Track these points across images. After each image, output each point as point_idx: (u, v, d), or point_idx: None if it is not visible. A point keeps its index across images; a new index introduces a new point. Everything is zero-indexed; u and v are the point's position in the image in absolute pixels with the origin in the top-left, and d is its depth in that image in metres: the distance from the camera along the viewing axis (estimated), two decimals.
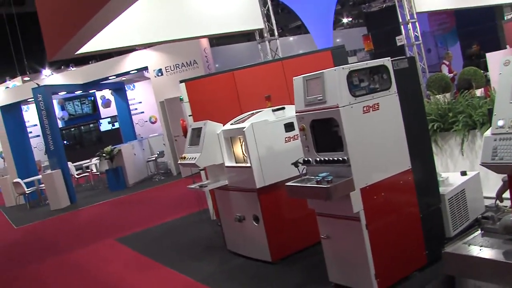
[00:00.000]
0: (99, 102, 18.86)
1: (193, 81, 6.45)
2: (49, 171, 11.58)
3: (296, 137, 4.63)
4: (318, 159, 3.66)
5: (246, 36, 18.47)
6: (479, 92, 7.55)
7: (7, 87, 16.54)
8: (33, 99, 11.94)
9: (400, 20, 11.17)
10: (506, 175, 2.83)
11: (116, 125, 18.27)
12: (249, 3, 9.16)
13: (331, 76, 3.50)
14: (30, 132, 16.17)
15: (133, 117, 16.81)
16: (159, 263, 5.69)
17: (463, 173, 4.62)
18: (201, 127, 5.03)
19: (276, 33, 9.60)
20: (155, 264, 5.72)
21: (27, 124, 15.40)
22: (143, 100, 17.45)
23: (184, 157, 5.11)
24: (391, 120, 3.71)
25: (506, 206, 3.19)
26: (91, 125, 19.97)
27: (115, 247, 6.97)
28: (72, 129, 19.93)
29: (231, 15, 8.90)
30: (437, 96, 6.70)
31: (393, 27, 12.33)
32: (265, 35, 9.47)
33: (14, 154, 13.67)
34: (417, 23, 11.16)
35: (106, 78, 14.47)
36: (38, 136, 16.48)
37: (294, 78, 3.83)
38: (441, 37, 18.00)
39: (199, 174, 6.88)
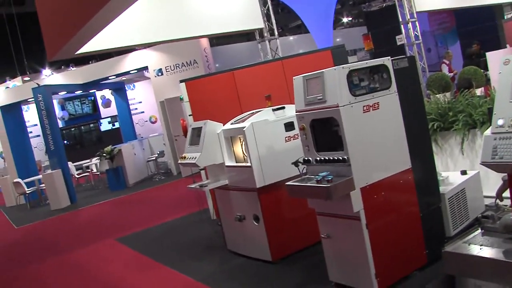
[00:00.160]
0: (99, 102, 18.86)
1: (193, 81, 6.45)
2: (49, 171, 11.59)
3: (296, 136, 4.63)
4: (318, 158, 3.66)
5: (246, 35, 18.48)
6: (479, 91, 7.55)
7: (7, 87, 16.54)
8: (33, 99, 11.95)
9: (400, 20, 11.17)
10: (506, 174, 2.83)
11: (116, 125, 18.28)
12: (249, 3, 9.16)
13: (331, 76, 3.50)
14: (30, 132, 16.17)
15: (133, 117, 16.81)
16: (160, 263, 5.70)
17: (463, 172, 4.63)
18: (201, 127, 5.03)
19: (276, 33, 9.61)
20: (155, 264, 5.72)
21: (27, 124, 15.40)
22: (143, 100, 17.45)
23: (184, 157, 5.11)
24: (391, 119, 3.71)
25: (506, 205, 3.18)
26: (91, 125, 19.97)
27: (115, 247, 6.97)
28: (72, 129, 19.94)
29: (231, 14, 8.90)
30: (437, 95, 6.70)
31: (393, 26, 12.33)
32: (265, 34, 9.47)
33: (14, 154, 13.67)
34: (417, 22, 11.15)
35: (106, 78, 14.47)
36: (38, 136, 16.49)
37: (294, 77, 3.83)
38: (441, 37, 18.00)
39: (199, 173, 6.89)
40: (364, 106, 3.54)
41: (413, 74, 3.98)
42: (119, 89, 16.40)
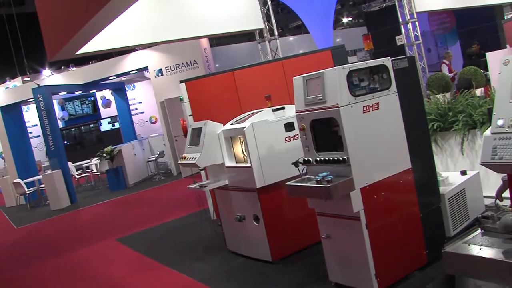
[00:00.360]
0: (99, 102, 18.86)
1: (193, 81, 6.45)
2: (49, 171, 11.58)
3: (296, 136, 4.64)
4: (318, 158, 3.66)
5: (246, 36, 18.47)
6: (479, 91, 7.55)
7: (7, 88, 16.54)
8: (33, 99, 11.95)
9: (400, 20, 11.17)
10: (505, 174, 2.83)
11: (116, 125, 18.29)
12: (249, 3, 9.17)
13: (331, 76, 3.50)
14: (31, 133, 16.17)
15: (133, 117, 16.81)
16: (160, 263, 5.70)
17: (463, 173, 4.63)
18: (201, 127, 5.03)
19: (276, 33, 9.61)
20: (155, 264, 5.72)
21: (27, 124, 15.40)
22: (143, 100, 17.46)
23: (184, 157, 5.12)
24: (391, 119, 3.72)
25: (506, 206, 3.18)
26: (91, 125, 19.98)
27: (115, 247, 6.97)
28: (72, 129, 19.94)
29: (231, 15, 8.91)
30: (437, 95, 6.71)
31: (393, 26, 12.34)
32: (265, 35, 9.48)
33: (15, 154, 13.67)
34: (417, 22, 11.16)
35: (106, 78, 14.47)
36: (38, 136, 16.49)
37: (294, 78, 3.84)
38: (441, 37, 18.01)
39: (199, 174, 6.88)
40: (364, 106, 3.54)
41: (413, 75, 3.98)
42: (119, 90, 16.41)
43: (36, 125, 16.33)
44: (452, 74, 10.60)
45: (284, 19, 21.44)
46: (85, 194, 13.21)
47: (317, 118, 3.64)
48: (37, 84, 12.47)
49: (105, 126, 19.52)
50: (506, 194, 3.01)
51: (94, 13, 5.84)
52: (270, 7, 9.43)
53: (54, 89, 13.76)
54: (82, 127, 20.00)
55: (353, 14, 24.47)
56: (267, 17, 9.42)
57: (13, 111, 14.10)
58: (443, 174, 4.53)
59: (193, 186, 5.24)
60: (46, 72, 18.45)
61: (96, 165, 13.82)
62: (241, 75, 6.31)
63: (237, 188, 4.93)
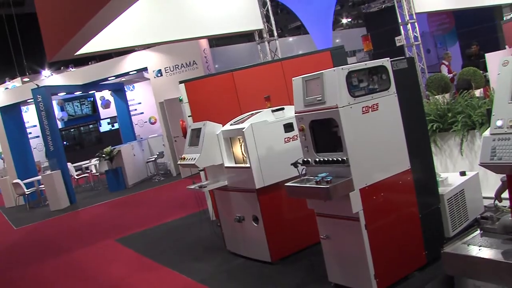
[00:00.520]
0: (99, 103, 18.85)
1: (193, 82, 6.45)
2: (48, 172, 11.58)
3: (295, 137, 4.64)
4: (317, 159, 3.66)
5: (245, 36, 18.46)
6: (478, 92, 7.55)
7: (7, 88, 16.53)
8: (32, 100, 11.95)
9: (400, 21, 11.17)
10: (505, 175, 2.83)
11: (116, 125, 18.29)
12: (248, 4, 9.17)
13: (331, 77, 3.50)
14: (30, 133, 16.16)
15: (132, 117, 16.81)
16: (159, 264, 5.70)
17: (462, 173, 4.63)
18: (201, 128, 5.03)
19: (275, 34, 9.61)
20: (155, 265, 5.72)
21: (26, 125, 15.39)
22: (142, 100, 17.46)
23: (184, 158, 5.12)
24: (390, 120, 3.72)
25: (505, 206, 3.19)
26: (91, 126, 19.98)
27: (115, 248, 6.97)
28: (72, 130, 19.95)
29: (231, 16, 8.91)
30: (436, 96, 6.71)
31: (393, 27, 12.33)
32: (265, 35, 9.48)
33: (14, 155, 13.67)
34: (416, 23, 11.15)
35: (106, 79, 14.47)
36: (37, 137, 16.48)
37: (293, 78, 3.84)
38: (441, 38, 18.02)
39: (198, 174, 6.88)
40: (363, 107, 3.54)
41: (412, 75, 3.99)
42: (118, 90, 16.41)
43: (35, 126, 16.31)
44: (451, 75, 10.61)
45: (283, 20, 21.43)
46: (85, 194, 13.21)
47: (316, 119, 3.64)
48: (36, 84, 12.46)
49: (104, 126, 19.51)
50: (505, 195, 3.01)
51: (93, 14, 5.84)
52: (269, 8, 9.44)
53: (54, 90, 13.75)
54: (82, 128, 20.00)
55: (353, 15, 24.47)
56: (266, 18, 9.42)
57: (13, 112, 14.10)
58: (442, 174, 4.53)
59: (192, 186, 5.24)
60: (46, 72, 18.45)
61: (95, 165, 13.82)
62: (240, 76, 6.32)
63: (237, 189, 4.93)
